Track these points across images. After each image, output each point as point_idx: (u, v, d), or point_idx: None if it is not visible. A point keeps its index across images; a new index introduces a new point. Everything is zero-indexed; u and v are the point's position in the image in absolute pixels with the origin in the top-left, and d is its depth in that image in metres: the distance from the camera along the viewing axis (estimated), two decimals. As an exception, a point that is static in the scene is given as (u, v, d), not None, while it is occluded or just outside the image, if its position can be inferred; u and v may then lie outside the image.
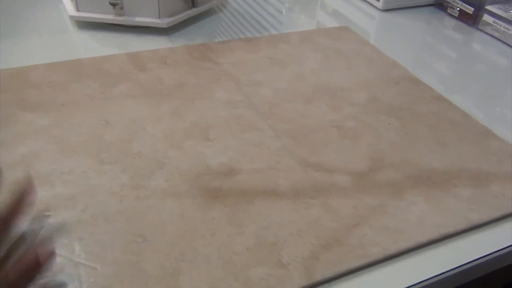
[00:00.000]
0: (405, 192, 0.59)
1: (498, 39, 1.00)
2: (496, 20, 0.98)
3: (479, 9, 1.01)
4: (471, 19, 1.04)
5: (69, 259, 0.47)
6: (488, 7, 0.99)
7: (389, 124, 0.72)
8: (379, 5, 1.11)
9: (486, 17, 1.00)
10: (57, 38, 0.89)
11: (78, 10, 0.91)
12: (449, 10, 1.09)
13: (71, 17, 0.91)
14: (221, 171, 0.60)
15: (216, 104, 0.73)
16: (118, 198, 0.54)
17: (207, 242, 0.50)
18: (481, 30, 1.03)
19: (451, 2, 1.08)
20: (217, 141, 0.65)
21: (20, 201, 0.32)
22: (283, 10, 1.12)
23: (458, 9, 1.06)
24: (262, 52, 0.89)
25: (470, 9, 1.04)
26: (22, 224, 0.33)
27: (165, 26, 0.92)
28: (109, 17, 0.91)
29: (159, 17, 0.92)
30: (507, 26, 0.96)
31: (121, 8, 0.90)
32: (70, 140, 0.62)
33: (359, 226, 0.53)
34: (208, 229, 0.52)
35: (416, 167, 0.63)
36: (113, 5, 0.89)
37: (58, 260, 0.47)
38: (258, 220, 0.53)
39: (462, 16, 1.06)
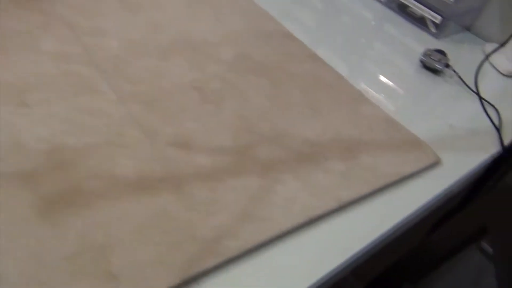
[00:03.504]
0: (274, 169, 0.51)
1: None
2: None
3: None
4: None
5: None
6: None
7: (259, 87, 0.63)
8: None
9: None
10: None
11: None
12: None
13: None
14: (39, 149, 0.45)
15: (42, 58, 0.56)
16: None
17: (4, 249, 0.36)
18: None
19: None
20: (38, 107, 0.50)
21: None
22: None
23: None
24: (111, -7, 0.73)
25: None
26: None
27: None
28: None
29: None
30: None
31: None
32: None
33: (217, 215, 0.44)
34: (14, 230, 0.38)
35: (287, 138, 0.55)
36: None
37: None
38: (84, 216, 0.41)
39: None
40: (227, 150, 0.51)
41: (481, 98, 0.70)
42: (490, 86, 0.76)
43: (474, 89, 0.72)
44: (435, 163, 0.58)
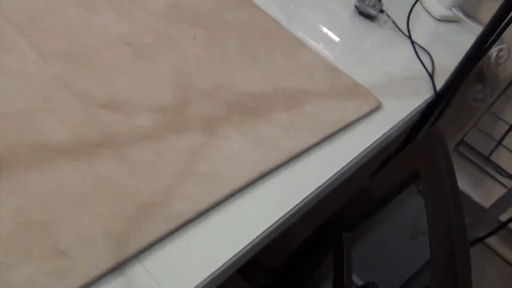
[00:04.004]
0: (218, 125, 0.49)
1: None
2: None
3: None
4: None
5: None
6: None
7: (195, 38, 0.59)
8: None
9: None
10: None
11: None
12: None
13: None
14: (-47, 121, 0.40)
15: None
16: None
17: None
18: None
19: None
20: None
21: None
22: None
23: None
24: None
25: None
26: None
27: None
28: None
29: None
30: None
31: None
32: None
33: (164, 177, 0.42)
34: None
35: (229, 91, 0.53)
36: None
37: None
38: (19, 191, 0.37)
39: None
40: (167, 108, 0.49)
41: (413, 43, 0.70)
42: (424, 30, 0.77)
43: (408, 35, 0.72)
44: (377, 108, 0.59)
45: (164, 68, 0.53)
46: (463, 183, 0.92)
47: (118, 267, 0.35)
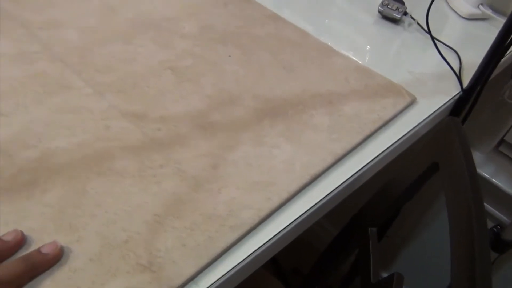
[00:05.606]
0: (265, 135, 0.51)
1: None
2: None
3: None
4: None
5: None
6: None
7: (230, 56, 0.62)
8: None
9: None
10: None
11: None
12: None
13: None
14: (29, 157, 0.43)
15: (0, 61, 0.53)
16: None
17: (31, 268, 0.36)
18: None
19: None
20: (13, 116, 0.47)
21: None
22: None
23: None
24: (53, -20, 0.68)
25: None
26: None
27: None
28: None
29: None
30: None
31: None
32: None
33: (225, 189, 0.45)
34: (26, 244, 0.37)
35: (269, 102, 0.56)
36: None
37: None
38: (98, 214, 0.40)
39: None
40: (217, 125, 0.51)
41: (433, 40, 0.68)
42: (451, 30, 0.77)
43: (433, 35, 0.71)
44: (412, 102, 0.60)
45: (209, 88, 0.56)
46: (507, 184, 0.88)
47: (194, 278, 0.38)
